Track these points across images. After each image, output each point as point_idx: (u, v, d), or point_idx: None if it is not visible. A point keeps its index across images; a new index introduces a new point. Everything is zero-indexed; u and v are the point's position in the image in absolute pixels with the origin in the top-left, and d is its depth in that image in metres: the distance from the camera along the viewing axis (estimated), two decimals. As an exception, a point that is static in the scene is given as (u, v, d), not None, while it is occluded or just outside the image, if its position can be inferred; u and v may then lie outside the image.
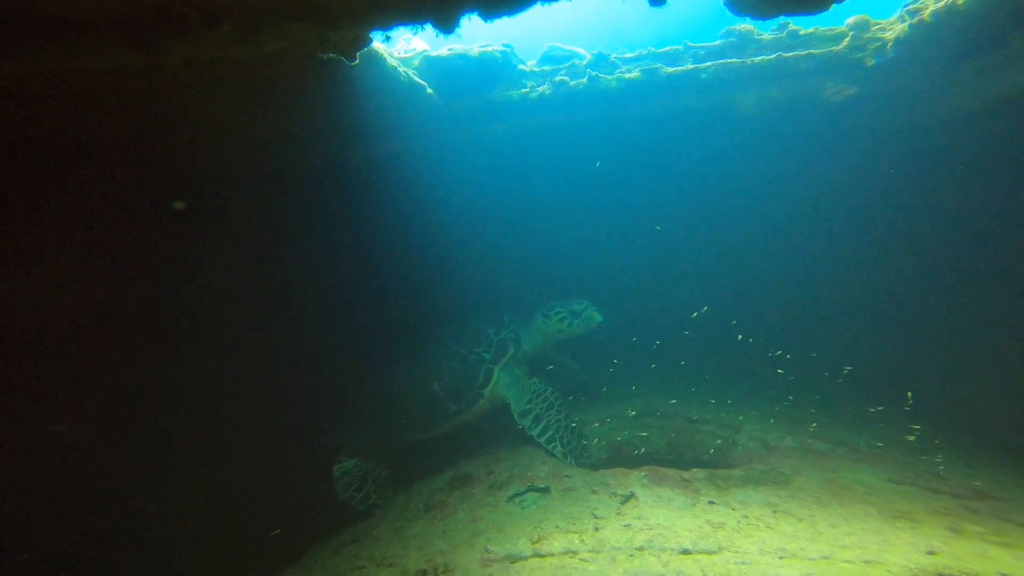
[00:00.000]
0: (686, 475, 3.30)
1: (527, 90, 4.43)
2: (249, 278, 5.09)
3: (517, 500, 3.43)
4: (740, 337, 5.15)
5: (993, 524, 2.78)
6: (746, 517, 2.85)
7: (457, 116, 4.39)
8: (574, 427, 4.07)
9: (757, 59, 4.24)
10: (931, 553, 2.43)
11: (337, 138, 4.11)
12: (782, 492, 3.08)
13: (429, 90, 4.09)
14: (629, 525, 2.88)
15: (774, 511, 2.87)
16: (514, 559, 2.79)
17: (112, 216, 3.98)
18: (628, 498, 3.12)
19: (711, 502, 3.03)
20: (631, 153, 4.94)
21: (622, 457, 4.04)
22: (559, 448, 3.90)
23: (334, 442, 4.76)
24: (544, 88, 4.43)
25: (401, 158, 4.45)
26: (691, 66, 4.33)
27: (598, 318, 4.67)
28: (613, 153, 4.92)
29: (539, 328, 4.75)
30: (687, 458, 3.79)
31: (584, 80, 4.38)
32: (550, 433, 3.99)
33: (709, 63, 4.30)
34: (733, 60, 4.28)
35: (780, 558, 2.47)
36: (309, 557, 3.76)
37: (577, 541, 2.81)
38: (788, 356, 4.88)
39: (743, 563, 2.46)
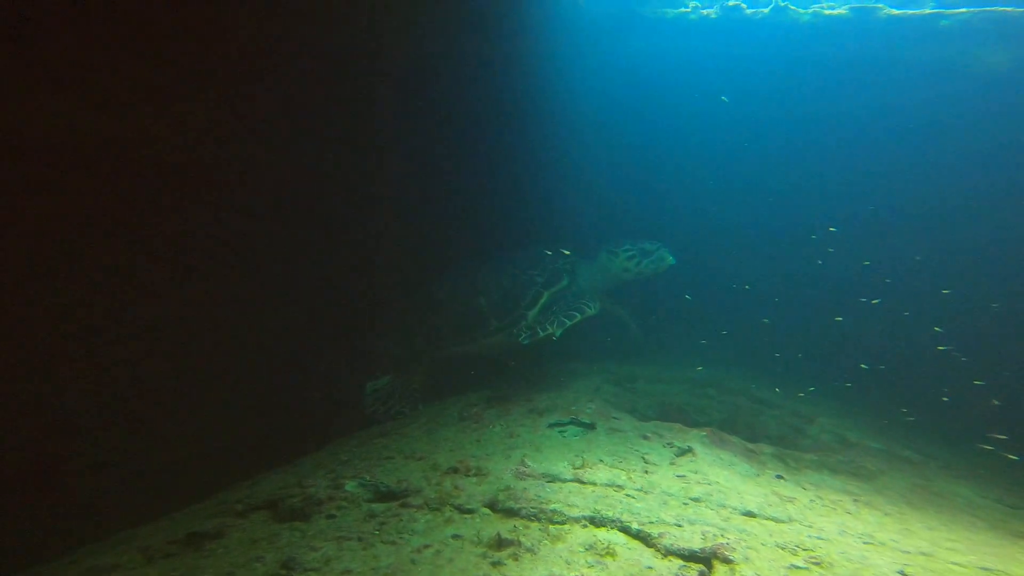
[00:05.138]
0: (751, 446, 2.98)
1: (688, 10, 4.00)
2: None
3: (558, 429, 3.22)
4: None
5: None
6: (820, 498, 2.52)
7: (600, 25, 4.00)
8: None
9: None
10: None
11: (466, 26, 3.84)
12: (864, 485, 2.71)
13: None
14: (684, 476, 2.61)
15: (855, 500, 2.52)
16: (552, 479, 2.57)
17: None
18: (685, 451, 2.85)
19: (779, 476, 2.71)
20: (806, 101, 4.32)
21: (672, 420, 3.75)
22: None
23: (371, 346, 4.70)
24: (711, 12, 3.96)
25: (531, 57, 4.09)
26: (930, 11, 3.70)
27: (670, 260, 4.38)
28: (776, 98, 4.35)
29: (602, 265, 4.51)
30: (746, 437, 3.45)
31: (767, 10, 3.88)
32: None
33: (963, 9, 3.63)
34: (1004, 8, 3.56)
35: (865, 543, 2.14)
36: (335, 445, 3.70)
37: (624, 477, 2.57)
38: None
39: (819, 538, 2.14)
